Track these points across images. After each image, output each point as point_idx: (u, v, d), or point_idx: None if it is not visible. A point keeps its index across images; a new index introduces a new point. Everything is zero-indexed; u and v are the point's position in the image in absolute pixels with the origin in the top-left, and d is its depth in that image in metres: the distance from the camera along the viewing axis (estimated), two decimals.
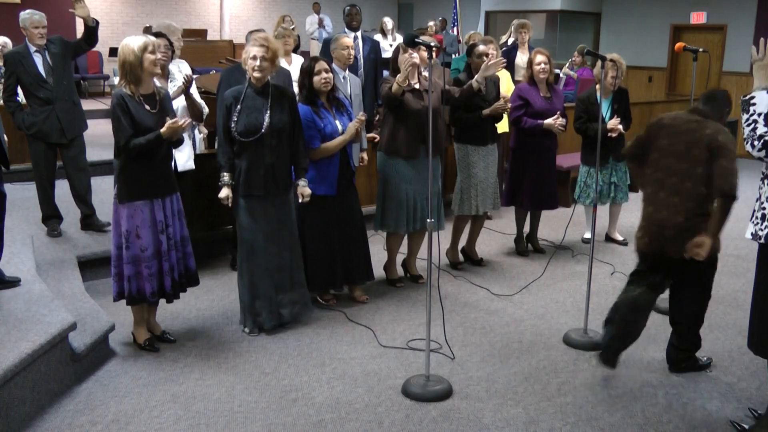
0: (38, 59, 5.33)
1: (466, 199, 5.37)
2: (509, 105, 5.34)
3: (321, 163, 4.48)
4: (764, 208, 3.11)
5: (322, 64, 4.45)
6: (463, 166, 5.36)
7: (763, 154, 2.99)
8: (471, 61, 5.40)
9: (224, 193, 4.14)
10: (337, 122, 4.50)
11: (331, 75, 4.48)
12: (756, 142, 2.99)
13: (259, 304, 4.29)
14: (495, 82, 5.50)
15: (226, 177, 4.14)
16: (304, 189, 4.23)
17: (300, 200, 4.22)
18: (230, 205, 4.17)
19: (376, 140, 4.80)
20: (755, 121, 3.01)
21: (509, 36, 9.03)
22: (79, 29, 13.11)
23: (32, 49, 5.32)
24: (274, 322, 4.34)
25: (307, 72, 4.45)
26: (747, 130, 3.05)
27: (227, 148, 4.14)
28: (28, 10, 5.42)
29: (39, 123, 5.32)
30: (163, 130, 3.69)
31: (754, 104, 3.04)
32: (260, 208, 4.17)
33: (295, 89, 5.36)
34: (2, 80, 5.02)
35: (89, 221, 5.65)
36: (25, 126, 5.34)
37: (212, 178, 4.41)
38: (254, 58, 4.05)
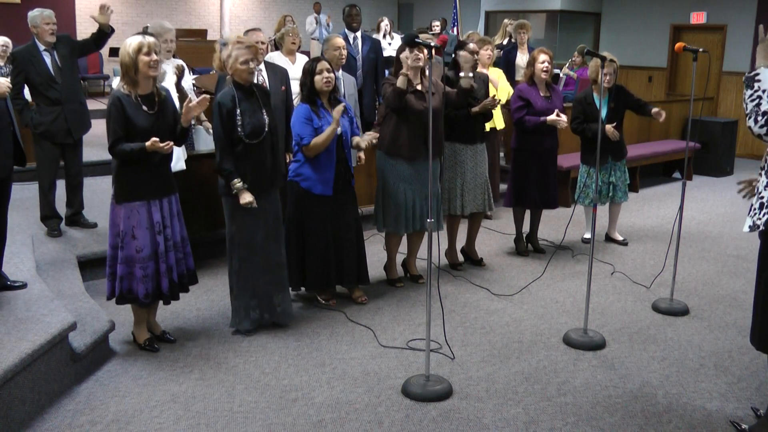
0: (47, 58, 5.34)
1: (452, 198, 5.36)
2: (498, 102, 5.30)
3: (318, 163, 4.47)
4: (762, 197, 3.11)
5: (324, 64, 4.46)
6: (450, 165, 5.34)
7: (765, 131, 2.99)
8: (459, 57, 5.32)
9: (248, 197, 4.03)
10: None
11: (333, 75, 4.48)
12: (759, 118, 2.99)
13: (257, 303, 4.29)
14: (484, 80, 5.49)
15: (239, 183, 4.04)
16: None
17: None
18: (256, 205, 4.09)
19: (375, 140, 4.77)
20: (759, 97, 3.01)
21: (503, 37, 9.03)
22: (79, 30, 13.17)
23: (41, 47, 5.33)
24: (275, 320, 4.35)
25: (309, 72, 4.46)
26: (750, 106, 3.04)
27: (230, 154, 4.07)
28: (36, 9, 5.42)
29: (47, 123, 5.33)
30: (147, 144, 3.65)
31: (759, 80, 3.04)
32: (260, 207, 4.17)
33: (294, 88, 5.39)
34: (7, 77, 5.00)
35: (74, 218, 5.69)
36: (32, 125, 5.35)
37: (211, 178, 4.40)
38: (245, 62, 4.02)
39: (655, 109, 5.68)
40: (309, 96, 4.47)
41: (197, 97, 5.06)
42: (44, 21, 5.29)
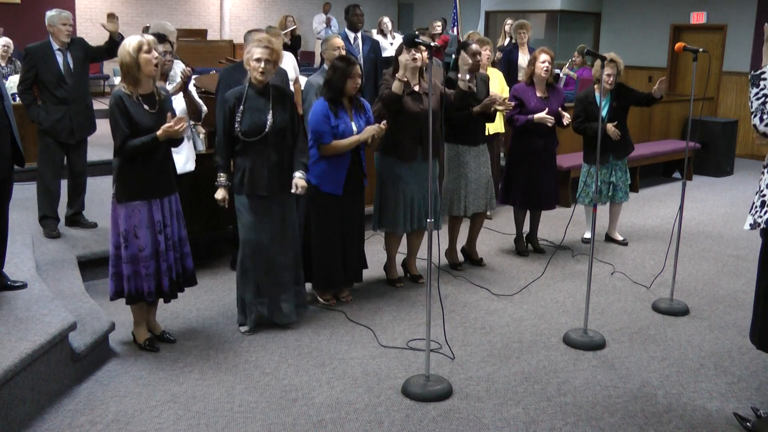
0: (60, 58, 5.39)
1: (455, 199, 5.36)
2: (499, 100, 5.30)
3: (331, 161, 4.48)
4: (764, 195, 3.10)
5: (358, 70, 4.47)
6: (453, 166, 5.34)
7: None
8: (461, 59, 5.34)
9: (221, 194, 4.18)
10: (353, 123, 4.50)
11: (360, 81, 4.50)
12: (765, 116, 2.98)
13: (261, 302, 4.30)
14: (485, 80, 5.49)
15: (222, 178, 4.17)
16: (299, 180, 4.17)
17: (294, 190, 4.16)
18: (227, 207, 4.18)
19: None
20: (765, 95, 3.01)
21: (505, 38, 9.03)
22: (79, 31, 13.15)
23: (55, 47, 5.38)
24: (277, 319, 4.35)
25: (342, 73, 4.43)
26: (756, 104, 3.04)
27: (227, 150, 4.16)
28: (54, 9, 5.51)
29: (52, 121, 5.38)
30: (159, 132, 3.67)
31: (765, 78, 3.03)
32: (264, 207, 4.18)
33: (292, 87, 5.40)
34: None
35: (75, 218, 5.70)
36: (38, 120, 5.39)
37: (212, 178, 4.41)
38: (258, 60, 4.06)
39: (654, 89, 5.70)
40: (333, 95, 4.45)
41: (198, 96, 5.07)
42: (61, 21, 5.37)
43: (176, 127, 3.68)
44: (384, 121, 4.55)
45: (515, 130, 5.68)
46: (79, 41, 5.56)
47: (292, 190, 4.18)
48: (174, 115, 3.83)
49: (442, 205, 5.37)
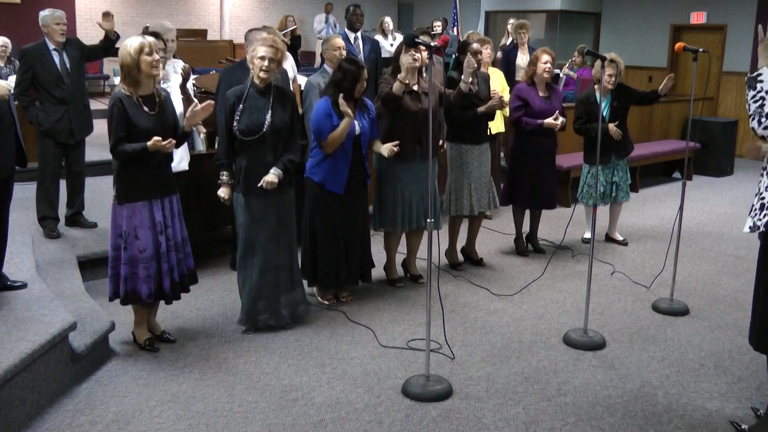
0: (56, 58, 5.38)
1: (459, 198, 5.36)
2: (505, 100, 5.31)
3: (334, 161, 4.48)
4: (763, 198, 3.10)
5: (366, 74, 4.51)
6: (456, 166, 5.35)
7: None
8: (464, 59, 5.35)
9: (223, 192, 4.20)
10: (356, 122, 4.50)
11: (365, 84, 4.55)
12: (764, 119, 2.97)
13: (260, 304, 4.30)
14: (485, 79, 5.50)
15: (225, 176, 4.19)
16: (269, 175, 4.08)
17: (258, 184, 4.09)
18: (229, 203, 4.19)
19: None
20: (763, 98, 2.99)
21: (507, 37, 9.06)
22: (79, 31, 13.16)
23: (51, 47, 5.37)
24: (275, 321, 4.34)
25: (353, 77, 4.44)
26: (753, 107, 3.01)
27: (228, 147, 4.18)
28: (48, 9, 5.48)
29: (51, 122, 5.38)
30: (149, 143, 3.65)
31: (761, 81, 3.02)
32: (261, 206, 4.18)
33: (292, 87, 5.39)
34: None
35: (75, 218, 5.70)
36: (36, 122, 5.38)
37: (211, 178, 4.42)
38: (262, 58, 4.06)
39: (661, 86, 5.68)
40: (339, 96, 4.46)
41: (196, 97, 5.07)
42: (55, 21, 5.35)
43: (165, 144, 3.66)
44: (397, 142, 4.57)
45: (521, 132, 5.67)
46: (74, 41, 5.55)
47: (258, 184, 4.10)
48: (176, 118, 3.83)
49: (443, 204, 5.38)
